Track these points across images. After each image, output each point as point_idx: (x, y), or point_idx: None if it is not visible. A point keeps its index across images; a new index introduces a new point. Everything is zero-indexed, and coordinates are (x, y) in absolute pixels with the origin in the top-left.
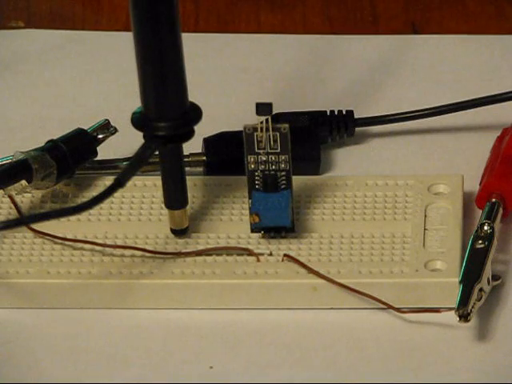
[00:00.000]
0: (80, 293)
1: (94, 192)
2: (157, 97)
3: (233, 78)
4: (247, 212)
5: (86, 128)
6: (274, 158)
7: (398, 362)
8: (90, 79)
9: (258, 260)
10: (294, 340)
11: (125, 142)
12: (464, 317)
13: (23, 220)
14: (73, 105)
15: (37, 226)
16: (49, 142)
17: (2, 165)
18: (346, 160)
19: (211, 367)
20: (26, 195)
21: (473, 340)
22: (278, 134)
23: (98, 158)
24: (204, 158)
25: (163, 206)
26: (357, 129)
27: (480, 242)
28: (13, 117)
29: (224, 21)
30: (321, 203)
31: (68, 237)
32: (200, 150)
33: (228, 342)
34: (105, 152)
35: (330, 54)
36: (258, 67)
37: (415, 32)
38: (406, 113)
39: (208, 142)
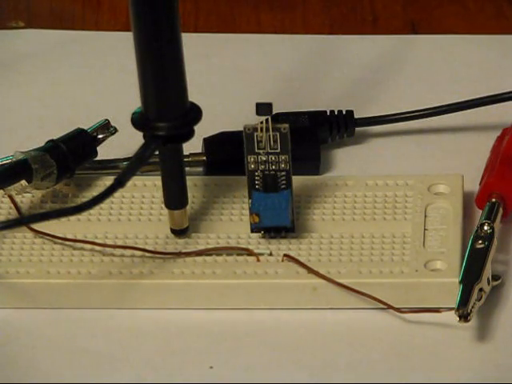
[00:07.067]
0: (80, 293)
1: (94, 192)
2: (157, 97)
3: (233, 78)
4: (247, 212)
5: (86, 128)
6: (273, 158)
7: (398, 362)
8: (90, 79)
9: (258, 260)
10: (293, 340)
11: (125, 142)
12: (464, 317)
13: (23, 220)
14: (73, 105)
15: (37, 226)
16: (49, 142)
17: (2, 165)
18: (346, 160)
19: (211, 367)
20: (26, 195)
21: (473, 340)
22: (277, 134)
23: (98, 157)
24: (204, 158)
25: (163, 206)
26: (357, 129)
27: (480, 242)
28: (13, 117)
29: (224, 21)
30: (321, 203)
31: (68, 237)
32: (200, 150)
33: (228, 342)
34: (105, 152)
35: (330, 54)
36: (258, 67)
37: (415, 32)
38: (406, 113)
39: (208, 141)
